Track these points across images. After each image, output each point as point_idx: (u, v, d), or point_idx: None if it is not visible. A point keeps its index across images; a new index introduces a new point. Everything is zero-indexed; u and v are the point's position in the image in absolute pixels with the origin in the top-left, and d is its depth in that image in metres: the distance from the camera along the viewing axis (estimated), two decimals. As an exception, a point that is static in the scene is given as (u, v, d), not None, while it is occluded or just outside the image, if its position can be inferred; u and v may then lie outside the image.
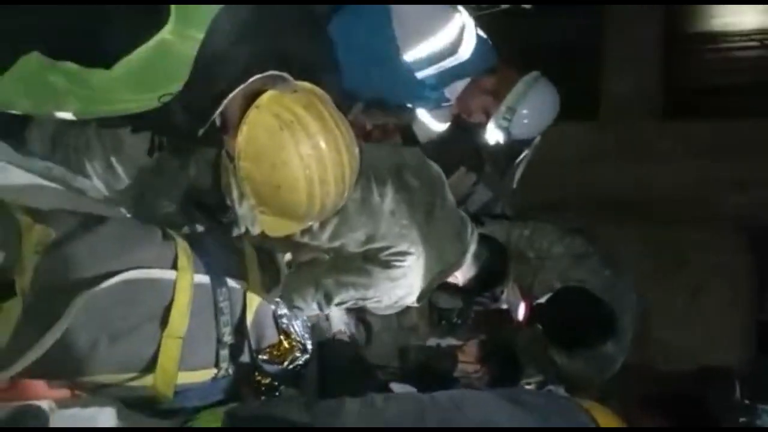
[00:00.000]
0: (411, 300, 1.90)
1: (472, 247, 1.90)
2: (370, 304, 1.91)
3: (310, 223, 1.61)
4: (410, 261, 1.79)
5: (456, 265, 1.89)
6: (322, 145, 1.37)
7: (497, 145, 2.43)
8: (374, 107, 2.27)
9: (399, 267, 1.78)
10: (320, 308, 1.86)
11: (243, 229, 1.72)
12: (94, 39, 1.13)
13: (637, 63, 4.10)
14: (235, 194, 1.64)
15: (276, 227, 1.54)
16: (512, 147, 2.67)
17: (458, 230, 1.87)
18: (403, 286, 1.83)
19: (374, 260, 1.79)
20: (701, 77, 4.30)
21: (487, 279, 2.07)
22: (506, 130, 2.30)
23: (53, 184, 1.74)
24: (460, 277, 1.98)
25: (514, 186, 2.87)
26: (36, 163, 1.72)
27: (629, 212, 3.84)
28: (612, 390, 2.53)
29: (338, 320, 2.19)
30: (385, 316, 2.19)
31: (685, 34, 4.29)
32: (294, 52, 1.47)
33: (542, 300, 2.39)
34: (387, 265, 1.78)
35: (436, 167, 1.90)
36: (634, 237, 3.76)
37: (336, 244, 1.76)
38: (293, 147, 1.35)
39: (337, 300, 1.84)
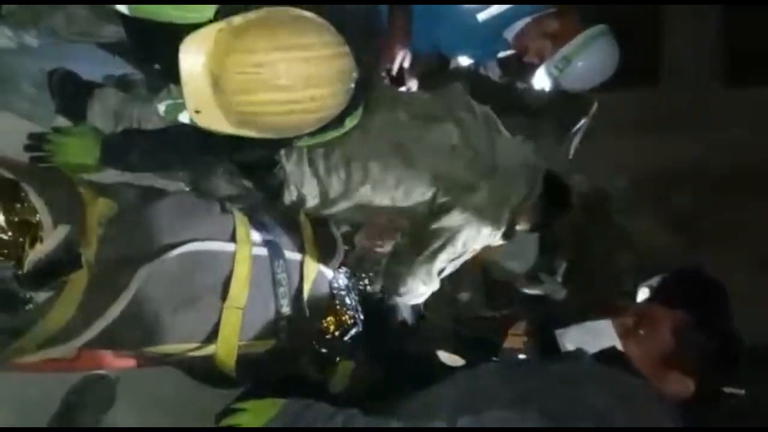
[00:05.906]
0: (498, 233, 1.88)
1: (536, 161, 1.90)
2: (468, 257, 1.90)
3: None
4: (481, 195, 1.78)
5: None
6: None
7: (542, 93, 2.34)
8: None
9: (470, 206, 1.78)
10: (426, 286, 1.88)
11: (293, 189, 1.72)
12: None
13: (699, 25, 3.90)
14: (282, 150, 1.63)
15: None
16: (569, 116, 2.59)
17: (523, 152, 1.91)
18: (485, 223, 1.82)
19: (446, 210, 1.78)
20: (765, 40, 4.06)
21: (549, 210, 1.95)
22: (555, 80, 2.21)
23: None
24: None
25: (570, 156, 2.78)
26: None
27: (689, 182, 3.69)
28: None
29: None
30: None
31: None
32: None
33: None
34: (462, 207, 1.78)
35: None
36: (695, 207, 3.62)
37: (409, 201, 1.77)
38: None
39: (435, 271, 1.84)
